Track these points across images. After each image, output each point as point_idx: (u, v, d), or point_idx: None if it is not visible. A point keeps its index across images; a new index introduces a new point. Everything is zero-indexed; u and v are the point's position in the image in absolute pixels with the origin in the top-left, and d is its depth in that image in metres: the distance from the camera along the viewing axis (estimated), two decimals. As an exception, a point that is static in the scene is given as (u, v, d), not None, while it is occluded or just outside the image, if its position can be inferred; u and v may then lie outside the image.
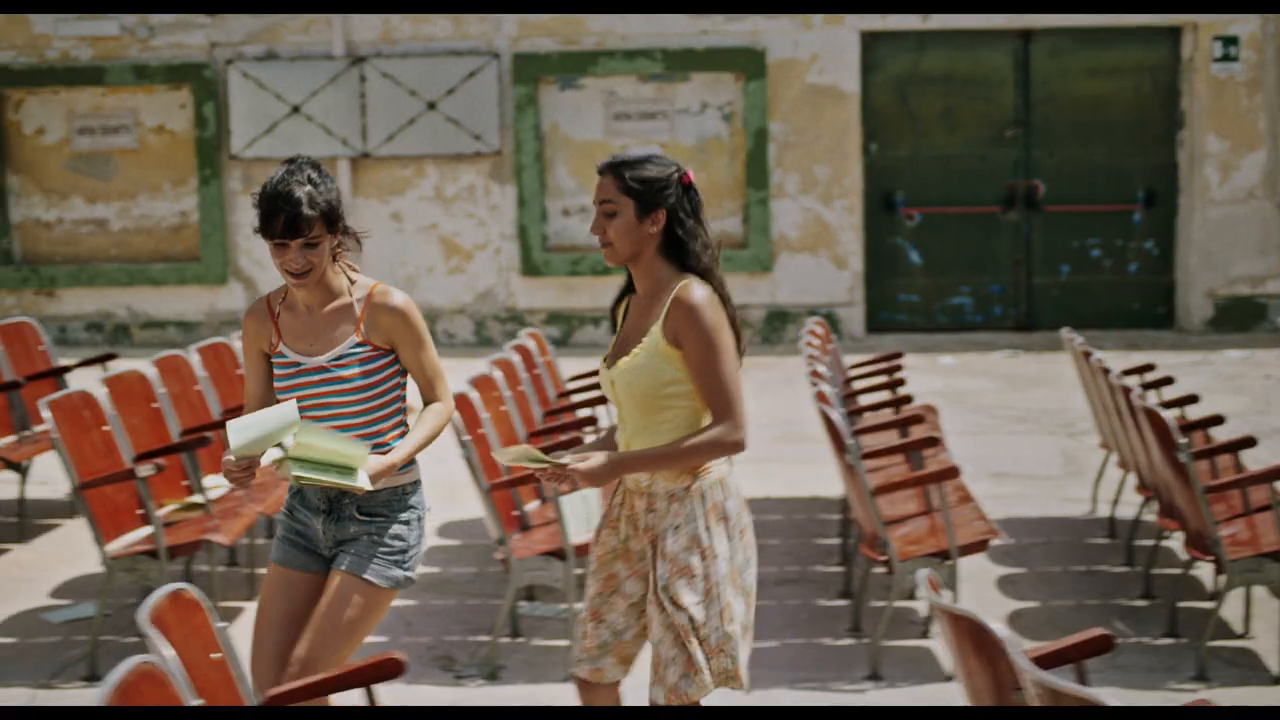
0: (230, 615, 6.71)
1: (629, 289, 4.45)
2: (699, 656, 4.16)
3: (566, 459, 4.19)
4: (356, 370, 4.41)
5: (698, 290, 4.22)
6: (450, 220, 14.87)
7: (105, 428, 6.29)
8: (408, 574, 4.46)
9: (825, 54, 14.50)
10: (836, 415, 6.05)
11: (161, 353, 7.62)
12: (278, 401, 4.45)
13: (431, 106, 14.57)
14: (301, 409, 4.35)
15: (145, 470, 5.96)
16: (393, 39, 14.67)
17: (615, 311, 4.50)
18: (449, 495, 8.36)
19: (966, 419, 11.02)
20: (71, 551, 7.88)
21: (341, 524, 4.44)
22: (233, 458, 4.24)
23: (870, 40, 14.59)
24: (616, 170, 4.29)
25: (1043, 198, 14.75)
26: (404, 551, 4.44)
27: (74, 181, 15.20)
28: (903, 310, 14.99)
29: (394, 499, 4.45)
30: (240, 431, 4.20)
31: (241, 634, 4.97)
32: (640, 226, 4.26)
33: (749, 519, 4.37)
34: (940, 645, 6.35)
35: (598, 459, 4.18)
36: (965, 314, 14.96)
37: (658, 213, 4.27)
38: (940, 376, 12.81)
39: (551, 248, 14.87)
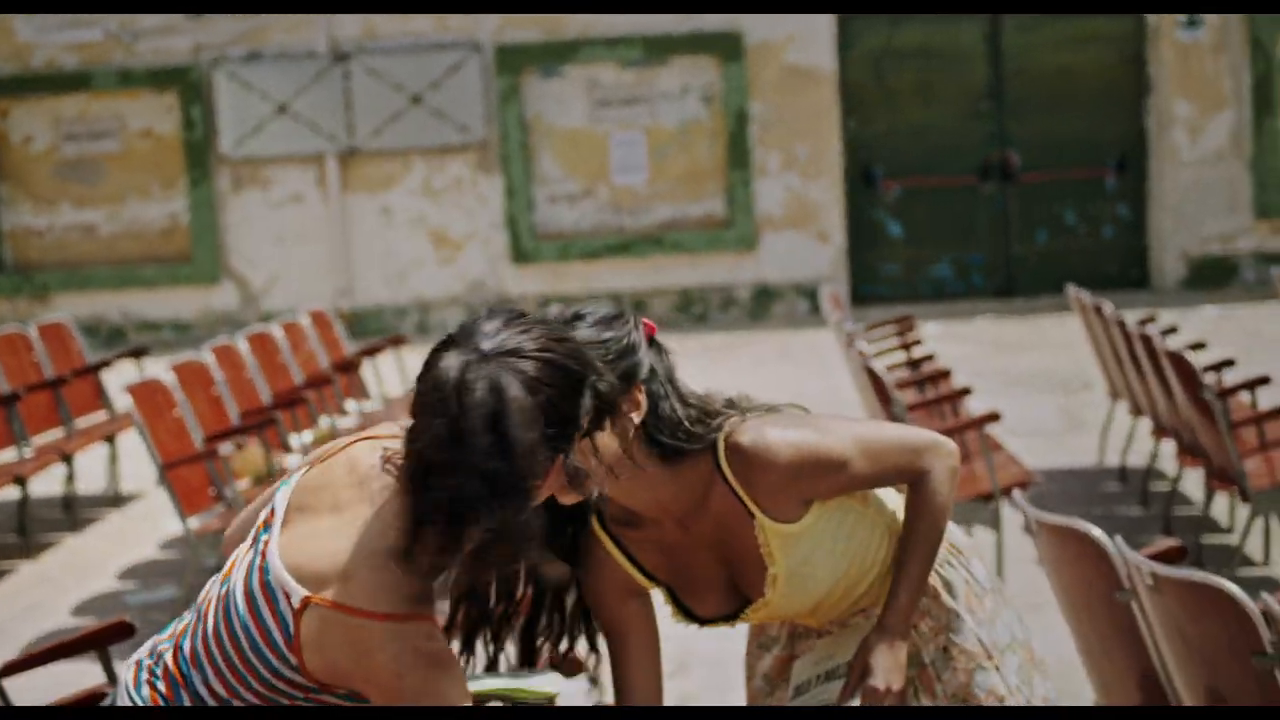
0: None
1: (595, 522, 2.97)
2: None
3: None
4: None
5: (746, 430, 2.87)
6: (439, 212, 15.12)
7: (176, 412, 6.55)
8: None
9: (801, 34, 14.82)
10: (885, 374, 6.37)
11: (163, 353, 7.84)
12: None
13: (416, 100, 14.81)
14: None
15: (226, 449, 6.23)
16: (376, 35, 14.91)
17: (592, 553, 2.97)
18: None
19: (962, 383, 11.33)
20: (125, 541, 8.11)
21: None
22: None
23: (844, 19, 14.92)
24: None
25: (1018, 168, 15.13)
26: None
27: (63, 188, 15.37)
28: (885, 282, 15.33)
29: None
30: None
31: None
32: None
33: (979, 566, 3.18)
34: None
35: (878, 655, 2.90)
36: (946, 284, 15.32)
37: (633, 392, 2.77)
38: (928, 344, 13.14)
39: (540, 235, 15.14)
